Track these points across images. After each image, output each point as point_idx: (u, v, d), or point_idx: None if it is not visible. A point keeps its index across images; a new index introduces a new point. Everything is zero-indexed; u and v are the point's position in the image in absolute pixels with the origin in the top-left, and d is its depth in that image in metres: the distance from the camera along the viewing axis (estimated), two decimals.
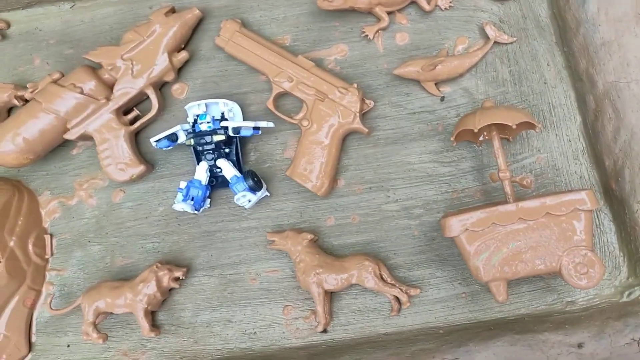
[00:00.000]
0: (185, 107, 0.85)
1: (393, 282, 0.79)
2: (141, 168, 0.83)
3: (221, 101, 0.84)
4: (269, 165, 0.87)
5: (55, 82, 0.82)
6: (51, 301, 0.81)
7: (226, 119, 0.84)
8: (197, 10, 0.85)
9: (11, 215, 0.80)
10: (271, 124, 0.82)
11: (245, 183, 0.80)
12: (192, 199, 0.81)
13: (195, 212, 0.82)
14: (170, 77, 0.85)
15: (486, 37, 0.86)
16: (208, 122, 0.82)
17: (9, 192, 0.82)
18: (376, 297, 0.83)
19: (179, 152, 0.87)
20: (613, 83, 0.80)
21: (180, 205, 0.80)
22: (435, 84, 0.85)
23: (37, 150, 0.81)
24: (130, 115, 0.85)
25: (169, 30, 0.83)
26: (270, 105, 0.84)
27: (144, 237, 0.86)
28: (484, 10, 0.87)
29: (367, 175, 0.86)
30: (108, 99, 0.82)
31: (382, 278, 0.79)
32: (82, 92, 0.81)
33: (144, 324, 0.78)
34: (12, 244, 0.79)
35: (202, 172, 0.82)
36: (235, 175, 0.81)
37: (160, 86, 0.87)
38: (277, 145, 0.87)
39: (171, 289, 0.83)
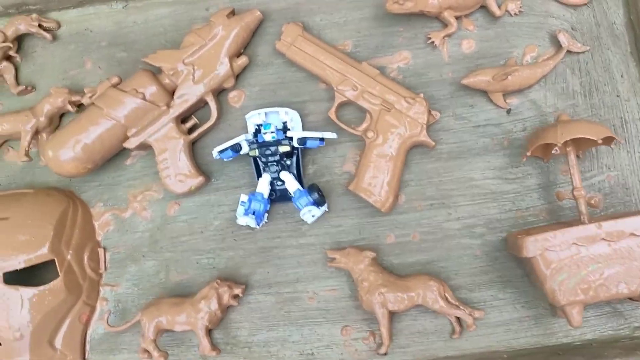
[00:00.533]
0: (246, 117, 0.82)
1: (457, 303, 0.76)
2: (200, 179, 0.81)
3: (282, 110, 0.81)
4: (327, 179, 0.83)
5: (114, 86, 0.79)
6: (108, 317, 0.79)
7: (289, 129, 0.81)
8: (258, 12, 0.82)
9: (67, 227, 0.78)
10: (334, 135, 0.79)
11: (309, 197, 0.77)
12: (254, 213, 0.77)
13: (257, 226, 0.79)
14: (230, 83, 0.82)
15: (557, 46, 0.81)
16: (272, 132, 0.79)
17: (64, 202, 0.80)
18: (436, 319, 0.80)
19: (236, 164, 0.85)
20: None
21: (244, 219, 0.77)
22: (503, 95, 0.81)
23: (95, 160, 0.79)
24: (189, 124, 0.83)
25: (231, 33, 0.80)
26: (332, 115, 0.81)
27: (199, 252, 0.83)
28: (556, 16, 0.83)
29: (429, 191, 0.82)
30: (168, 105, 0.80)
31: (446, 299, 0.76)
32: (144, 98, 0.78)
33: (205, 343, 0.76)
34: (69, 257, 0.77)
35: (264, 185, 0.79)
36: (298, 189, 0.78)
37: (218, 93, 0.85)
38: (335, 158, 0.84)
39: (228, 307, 0.80)
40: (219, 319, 0.78)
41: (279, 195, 0.81)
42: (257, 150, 0.78)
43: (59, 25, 0.89)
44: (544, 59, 0.82)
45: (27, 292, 0.73)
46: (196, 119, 0.83)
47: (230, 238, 0.83)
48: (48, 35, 0.87)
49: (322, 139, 0.78)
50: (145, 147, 0.82)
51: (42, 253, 0.74)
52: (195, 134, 0.82)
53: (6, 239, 0.74)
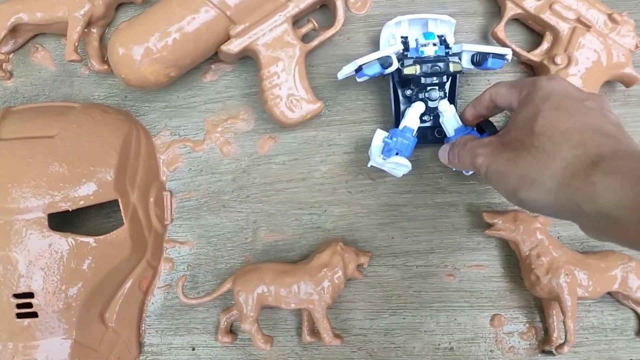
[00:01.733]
0: (384, 28, 0.59)
1: None
2: (320, 105, 0.58)
3: (433, 19, 0.58)
4: None
5: None
6: (183, 285, 0.57)
7: (448, 44, 0.58)
8: None
9: (131, 159, 0.56)
10: (509, 54, 0.56)
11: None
12: (397, 154, 0.55)
13: (405, 170, 0.55)
14: None
15: None
16: (435, 45, 0.56)
17: (126, 125, 0.57)
18: (617, 312, 0.60)
19: (354, 91, 0.63)
20: None
21: (392, 158, 0.54)
22: None
23: (183, 65, 0.56)
24: (305, 29, 0.60)
25: None
26: (499, 32, 0.59)
27: (300, 205, 0.62)
28: None
29: None
30: None
31: None
32: None
33: (326, 326, 0.55)
34: (134, 199, 0.54)
35: (415, 117, 0.56)
36: (462, 128, 0.56)
37: None
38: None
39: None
40: (336, 295, 0.57)
41: (420, 135, 0.59)
42: (418, 67, 0.55)
43: None
44: None
45: (83, 241, 0.50)
46: (315, 23, 0.60)
47: (344, 189, 0.62)
48: None
49: (503, 58, 0.56)
50: (246, 54, 0.59)
51: (103, 190, 0.51)
52: (315, 42, 0.59)
53: (51, 167, 0.50)
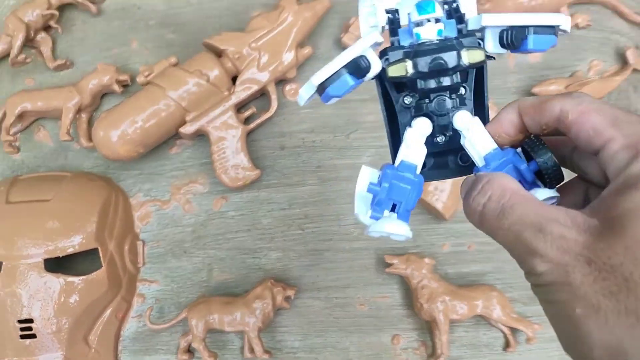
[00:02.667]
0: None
1: (515, 315, 0.74)
2: (257, 172, 0.76)
3: None
4: None
5: (174, 66, 0.74)
6: (150, 314, 0.73)
7: (461, 14, 0.36)
8: (327, 1, 0.78)
9: (110, 215, 0.73)
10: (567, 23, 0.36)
11: (530, 172, 0.36)
12: (394, 208, 0.37)
13: (406, 237, 0.36)
14: (292, 74, 0.78)
15: (623, 63, 0.81)
16: (438, 21, 0.35)
17: (106, 189, 0.74)
18: (490, 331, 0.77)
19: (290, 158, 0.80)
20: None
21: (383, 226, 0.35)
22: None
23: (149, 143, 0.74)
24: (246, 113, 0.78)
25: (300, 21, 0.75)
26: None
27: (246, 251, 0.79)
28: (622, 33, 0.82)
29: None
30: (229, 91, 0.75)
31: (506, 311, 0.74)
32: (208, 81, 0.73)
33: (259, 345, 0.71)
34: (111, 247, 0.71)
35: (417, 144, 0.37)
36: (498, 151, 0.36)
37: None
38: None
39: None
40: (270, 322, 0.73)
41: (432, 166, 0.40)
42: (409, 64, 0.35)
43: None
44: (608, 75, 0.81)
45: (70, 281, 0.67)
46: (254, 108, 0.79)
47: (280, 238, 0.79)
48: (93, 7, 0.81)
49: (555, 32, 0.36)
50: (200, 134, 0.77)
51: (86, 241, 0.68)
52: (253, 125, 0.77)
53: (48, 223, 0.67)
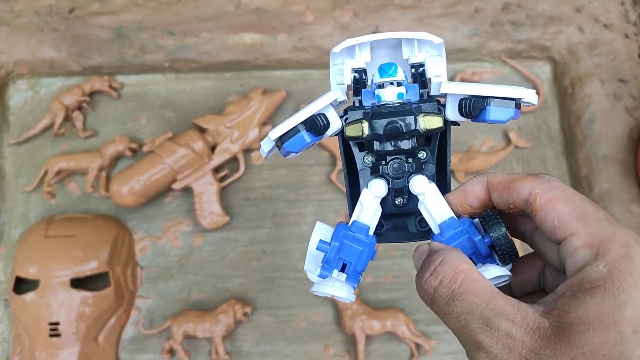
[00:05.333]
0: (332, 51, 0.39)
1: (417, 333, 0.98)
2: (227, 219, 1.03)
3: (414, 37, 0.38)
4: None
5: (170, 140, 1.03)
6: (143, 323, 1.00)
7: (425, 79, 0.39)
8: (284, 92, 1.07)
9: (118, 247, 1.00)
10: (533, 97, 0.37)
11: (483, 245, 0.37)
12: (344, 268, 0.39)
13: (351, 300, 0.40)
14: (257, 145, 1.06)
15: (508, 141, 1.07)
16: (400, 85, 0.37)
17: (116, 227, 1.02)
18: (399, 345, 1.01)
19: (252, 208, 1.07)
20: (607, 190, 1.01)
21: (328, 287, 0.39)
22: (465, 174, 1.06)
23: (149, 195, 1.02)
24: (221, 174, 1.06)
25: (262, 107, 1.04)
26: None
27: (217, 277, 1.05)
28: None
29: (400, 244, 1.05)
30: (209, 158, 1.03)
31: (409, 329, 0.98)
32: (193, 151, 1.01)
33: (222, 348, 0.96)
34: (118, 271, 0.98)
35: (370, 205, 0.38)
36: (453, 221, 0.37)
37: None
38: None
39: (237, 322, 1.01)
40: (231, 331, 0.99)
41: (388, 228, 0.42)
42: (365, 125, 0.36)
43: (123, 86, 1.13)
44: (497, 150, 1.07)
45: (87, 295, 0.94)
46: (227, 170, 1.06)
47: (242, 268, 1.05)
48: (114, 94, 1.11)
49: (518, 105, 0.36)
50: (186, 189, 1.04)
51: (100, 266, 0.96)
52: (225, 183, 1.05)
53: (74, 253, 0.95)
